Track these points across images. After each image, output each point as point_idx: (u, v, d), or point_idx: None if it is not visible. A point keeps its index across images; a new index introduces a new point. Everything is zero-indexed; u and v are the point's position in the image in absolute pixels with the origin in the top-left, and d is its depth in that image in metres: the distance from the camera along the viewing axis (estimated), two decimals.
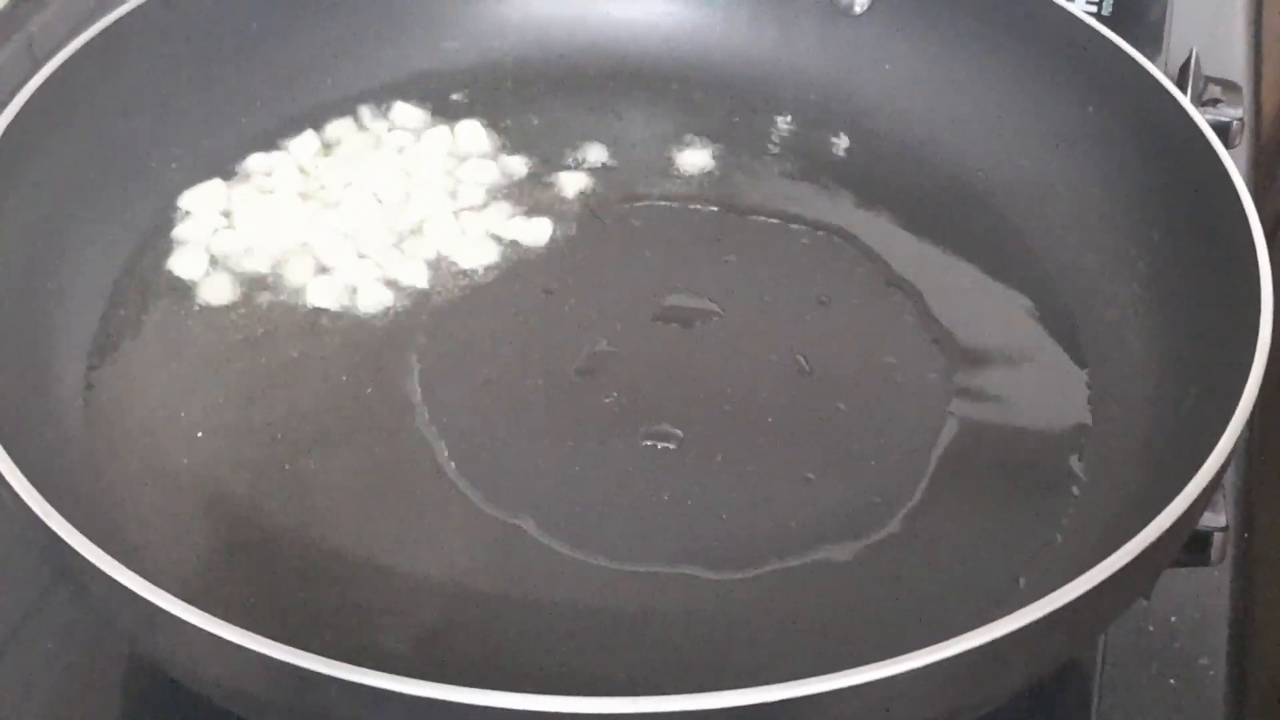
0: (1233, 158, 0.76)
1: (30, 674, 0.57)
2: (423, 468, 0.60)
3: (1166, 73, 0.81)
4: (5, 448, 0.49)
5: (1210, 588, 0.61)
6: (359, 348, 0.65)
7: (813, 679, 0.42)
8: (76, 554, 0.46)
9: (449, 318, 0.66)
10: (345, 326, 0.65)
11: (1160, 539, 0.47)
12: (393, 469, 0.60)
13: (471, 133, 0.75)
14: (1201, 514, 0.52)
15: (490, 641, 0.54)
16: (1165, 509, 0.47)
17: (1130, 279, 0.65)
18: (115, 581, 0.45)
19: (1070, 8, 0.71)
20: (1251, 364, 0.52)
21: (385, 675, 0.42)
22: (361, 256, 0.68)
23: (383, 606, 0.55)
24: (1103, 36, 0.68)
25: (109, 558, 0.46)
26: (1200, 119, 0.63)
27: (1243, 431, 0.65)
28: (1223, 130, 0.78)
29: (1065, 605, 0.45)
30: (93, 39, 0.66)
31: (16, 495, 0.48)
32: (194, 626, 0.44)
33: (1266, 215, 1.06)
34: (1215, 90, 0.80)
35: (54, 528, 0.47)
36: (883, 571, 0.57)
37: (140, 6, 0.68)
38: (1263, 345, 0.53)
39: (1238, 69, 0.88)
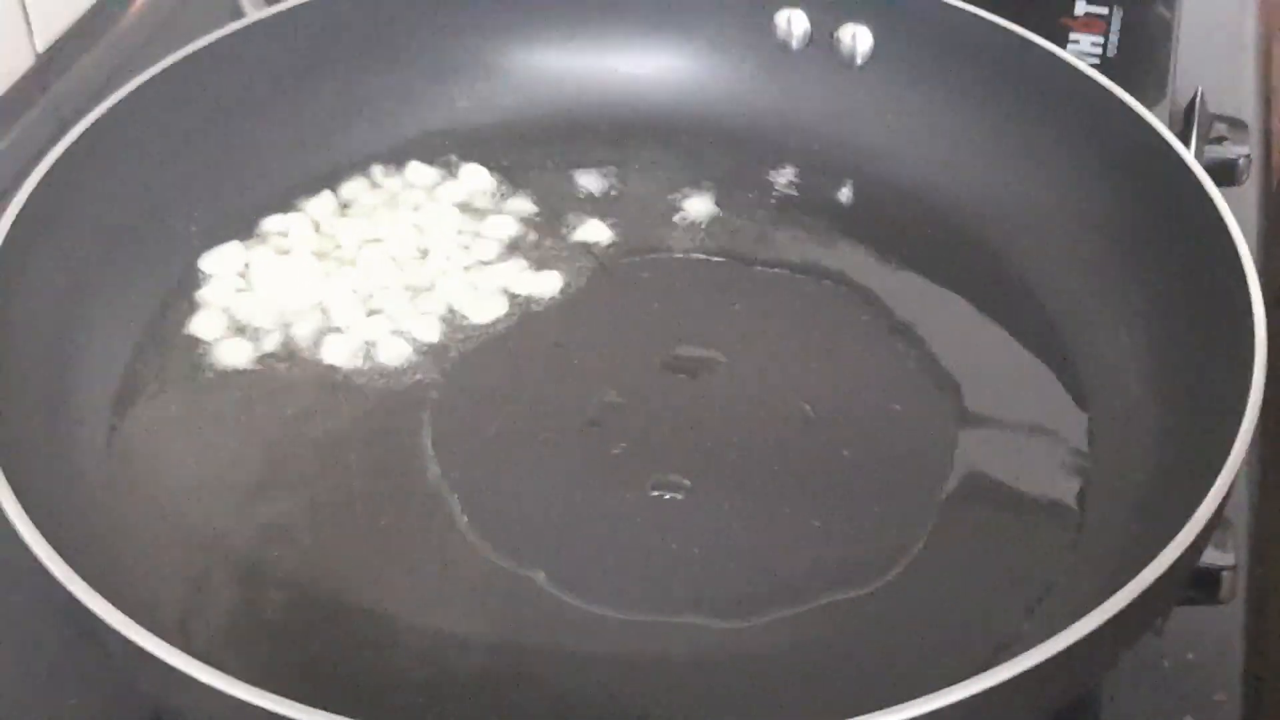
0: (1240, 195, 0.77)
1: None
2: (436, 522, 0.61)
3: (1172, 111, 0.82)
4: (26, 509, 0.50)
5: (1225, 624, 0.61)
6: (372, 404, 0.66)
7: None
8: (96, 617, 0.47)
9: (461, 372, 0.67)
10: (359, 384, 0.67)
11: (1159, 580, 0.47)
12: (406, 524, 0.61)
13: (476, 176, 0.76)
14: (1200, 555, 0.52)
15: (501, 693, 0.55)
16: (1163, 551, 0.48)
17: (1129, 322, 0.66)
18: (133, 643, 0.46)
19: (1067, 55, 0.71)
20: (1245, 408, 0.53)
21: None
22: (374, 314, 0.70)
23: (397, 661, 0.56)
24: (1098, 84, 0.69)
25: (127, 619, 0.47)
26: (1195, 164, 0.64)
27: (1250, 469, 0.66)
28: (1229, 167, 0.78)
29: (1068, 648, 0.45)
30: (117, 104, 0.68)
31: (37, 557, 0.49)
32: (212, 688, 0.45)
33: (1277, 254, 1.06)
34: (1221, 128, 0.80)
35: (74, 591, 0.48)
36: (888, 617, 0.57)
37: (162, 72, 0.70)
38: (1256, 389, 0.54)
39: (1247, 106, 0.88)
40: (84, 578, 0.48)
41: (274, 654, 0.56)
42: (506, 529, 0.60)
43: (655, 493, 0.62)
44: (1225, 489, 0.51)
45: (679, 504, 0.61)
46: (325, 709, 0.44)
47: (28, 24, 0.85)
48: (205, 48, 0.72)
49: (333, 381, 0.67)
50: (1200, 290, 0.62)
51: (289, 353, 0.68)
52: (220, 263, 0.72)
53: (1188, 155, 0.65)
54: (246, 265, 0.72)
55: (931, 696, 0.44)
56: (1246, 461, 0.64)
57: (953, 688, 0.44)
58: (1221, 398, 0.55)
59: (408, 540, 0.60)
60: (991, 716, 0.46)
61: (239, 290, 0.71)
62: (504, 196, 0.76)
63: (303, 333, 0.69)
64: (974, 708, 0.44)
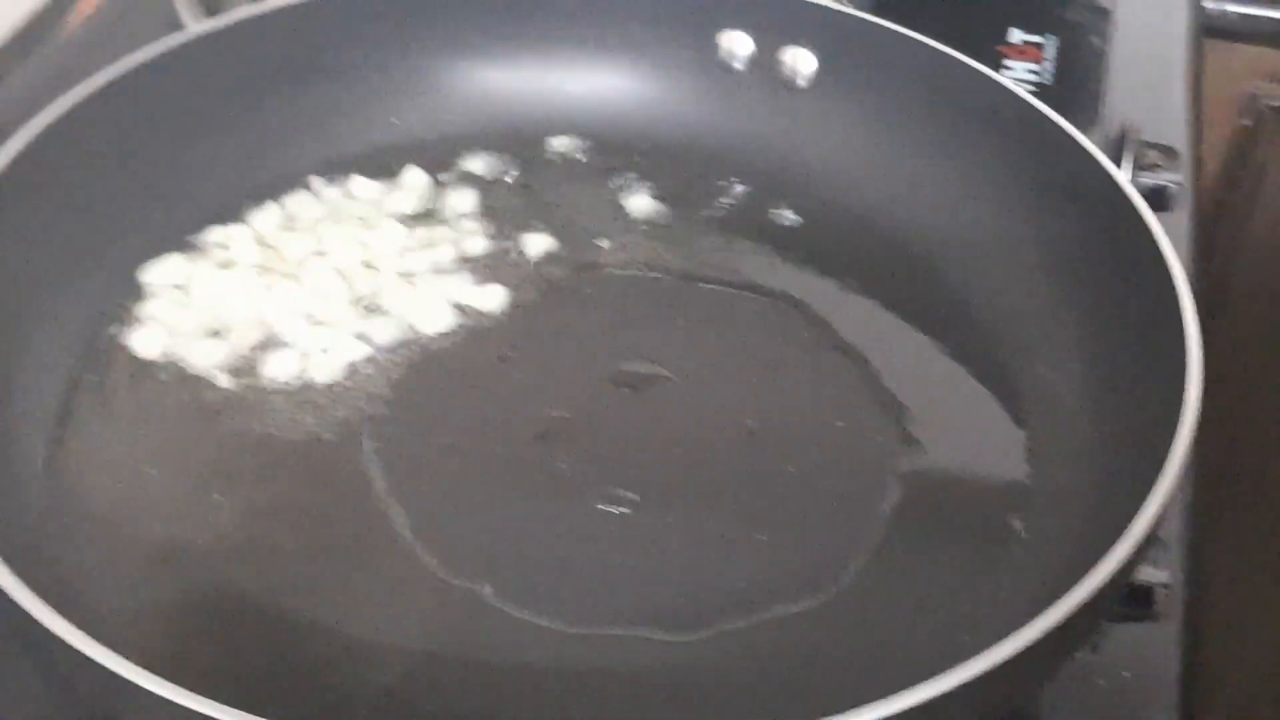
0: (1172, 221, 0.79)
1: None
2: (381, 535, 0.61)
3: (1106, 138, 0.84)
4: None
5: (1161, 642, 0.62)
6: (316, 418, 0.66)
7: None
8: (38, 623, 0.47)
9: (406, 386, 0.67)
10: (302, 398, 0.67)
11: (1093, 596, 0.48)
12: (352, 538, 0.61)
13: (417, 181, 0.77)
14: (1133, 571, 0.53)
15: (447, 705, 0.55)
16: (1096, 566, 0.49)
17: (1067, 342, 0.67)
18: (77, 651, 0.46)
19: (1004, 80, 0.73)
20: (1179, 427, 0.54)
21: None
22: (318, 326, 0.70)
23: (343, 673, 0.56)
24: (1034, 109, 0.71)
25: (71, 626, 0.46)
26: (1130, 187, 0.66)
27: (1186, 489, 0.67)
28: (1160, 194, 0.80)
29: (1004, 661, 0.46)
30: (54, 120, 0.67)
31: None
32: (155, 695, 0.45)
33: (1210, 274, 1.08)
34: (1153, 155, 0.82)
35: (18, 599, 0.48)
36: (831, 630, 0.58)
37: (101, 86, 0.69)
38: (1190, 407, 0.55)
39: (1178, 134, 0.90)
40: (30, 588, 0.48)
41: (216, 662, 0.56)
42: (453, 543, 0.60)
43: (601, 506, 0.62)
44: (1160, 506, 0.52)
45: (625, 518, 0.62)
46: (266, 717, 0.44)
47: None
48: (145, 62, 0.72)
49: (275, 395, 0.67)
50: (1136, 312, 0.64)
51: (230, 366, 0.68)
52: (159, 275, 0.71)
53: (1123, 179, 0.66)
54: (187, 278, 0.71)
55: (869, 706, 0.45)
56: (1182, 481, 0.66)
57: (891, 698, 0.45)
58: (1157, 417, 0.56)
59: (353, 554, 0.60)
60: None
61: (179, 304, 0.70)
62: (448, 211, 0.76)
63: (244, 346, 0.69)
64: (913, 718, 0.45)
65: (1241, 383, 1.02)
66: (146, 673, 0.45)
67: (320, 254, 0.73)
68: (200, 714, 0.44)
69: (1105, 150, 0.69)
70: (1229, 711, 0.65)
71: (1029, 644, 0.47)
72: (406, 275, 0.73)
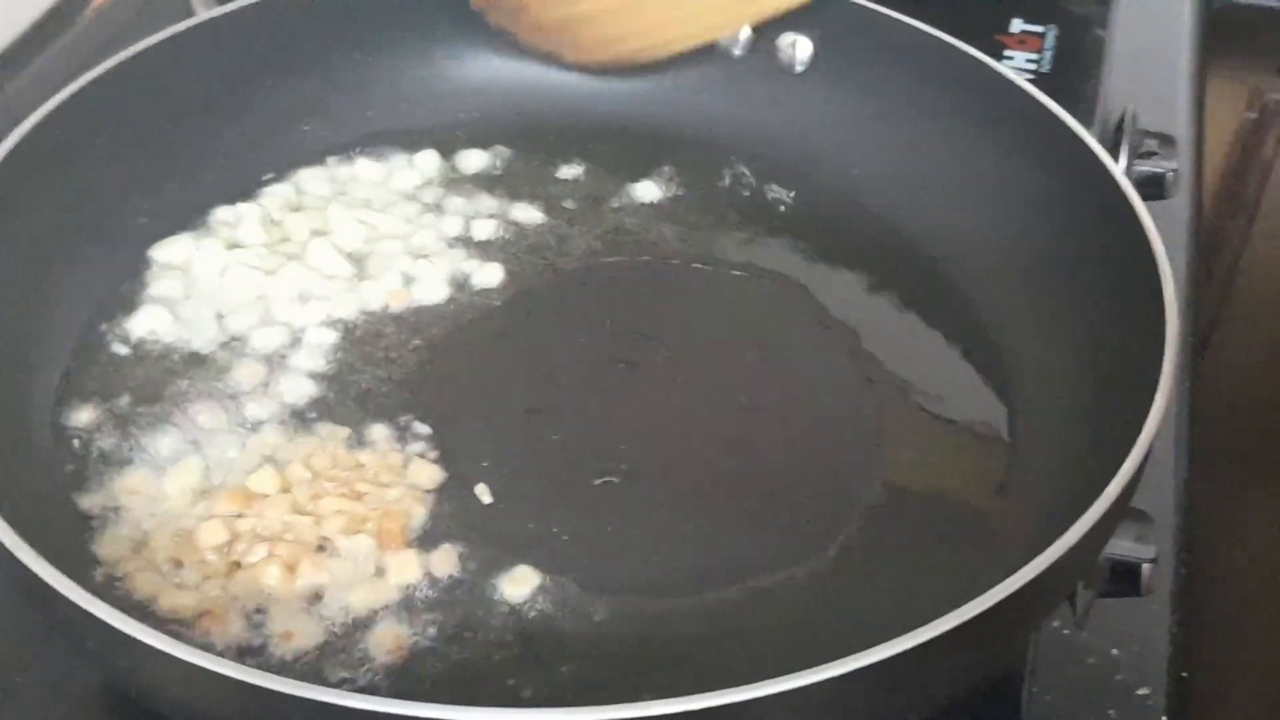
0: (1170, 207, 0.79)
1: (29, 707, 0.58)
2: None
3: (1104, 126, 0.84)
4: None
5: (1150, 620, 0.63)
6: (314, 392, 0.67)
7: (736, 689, 0.45)
8: (54, 590, 0.48)
9: (403, 362, 0.68)
10: (303, 371, 0.68)
11: (1061, 559, 0.49)
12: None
13: (428, 162, 0.78)
14: (1106, 539, 0.54)
15: (447, 667, 0.56)
16: (1067, 531, 0.50)
17: (1053, 322, 0.68)
18: (81, 608, 0.48)
19: (1001, 67, 0.74)
20: (1150, 407, 0.55)
21: (349, 694, 0.45)
22: (320, 301, 0.71)
23: (355, 646, 0.57)
24: (1030, 96, 0.71)
25: (78, 587, 0.48)
26: (1120, 174, 0.66)
27: (1179, 469, 0.67)
28: (1157, 181, 0.81)
29: (977, 617, 0.47)
30: (66, 99, 0.69)
31: None
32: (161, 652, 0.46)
33: (1219, 260, 1.08)
34: (1151, 143, 0.83)
35: (24, 559, 0.49)
36: (815, 598, 0.59)
37: (113, 68, 0.71)
38: (1164, 390, 0.56)
39: (1180, 123, 0.91)
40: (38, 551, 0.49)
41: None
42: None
43: (595, 479, 0.63)
44: (1131, 474, 0.53)
45: (616, 489, 0.63)
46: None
47: None
48: (155, 45, 0.73)
49: (275, 369, 0.68)
50: (1120, 295, 0.64)
51: (231, 343, 0.69)
52: (167, 254, 0.73)
53: (1113, 165, 0.67)
54: (194, 256, 0.73)
55: (853, 658, 0.46)
56: (1176, 462, 0.67)
57: (870, 650, 0.46)
58: (1134, 399, 0.57)
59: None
60: (906, 681, 0.48)
61: (186, 281, 0.72)
62: (451, 190, 0.78)
63: (245, 324, 0.70)
64: (886, 672, 0.46)
65: (1248, 372, 1.02)
66: (149, 629, 0.47)
67: (323, 233, 0.75)
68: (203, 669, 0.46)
69: (1103, 138, 0.70)
70: (1216, 688, 0.66)
71: (1000, 601, 0.48)
72: (408, 254, 0.74)
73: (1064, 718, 0.59)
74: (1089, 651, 0.61)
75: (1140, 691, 0.60)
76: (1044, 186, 0.72)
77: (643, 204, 0.78)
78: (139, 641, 0.47)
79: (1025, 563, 0.50)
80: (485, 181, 0.79)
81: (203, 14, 0.76)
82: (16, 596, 0.53)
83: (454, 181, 0.79)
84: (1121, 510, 0.53)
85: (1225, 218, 1.24)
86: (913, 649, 0.46)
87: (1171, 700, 0.60)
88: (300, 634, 0.56)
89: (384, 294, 0.72)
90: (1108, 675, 0.61)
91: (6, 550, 0.50)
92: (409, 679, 0.55)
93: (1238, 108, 1.22)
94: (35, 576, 0.49)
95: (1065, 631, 0.61)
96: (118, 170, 0.72)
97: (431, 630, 0.57)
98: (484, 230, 0.76)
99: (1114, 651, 0.61)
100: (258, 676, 0.45)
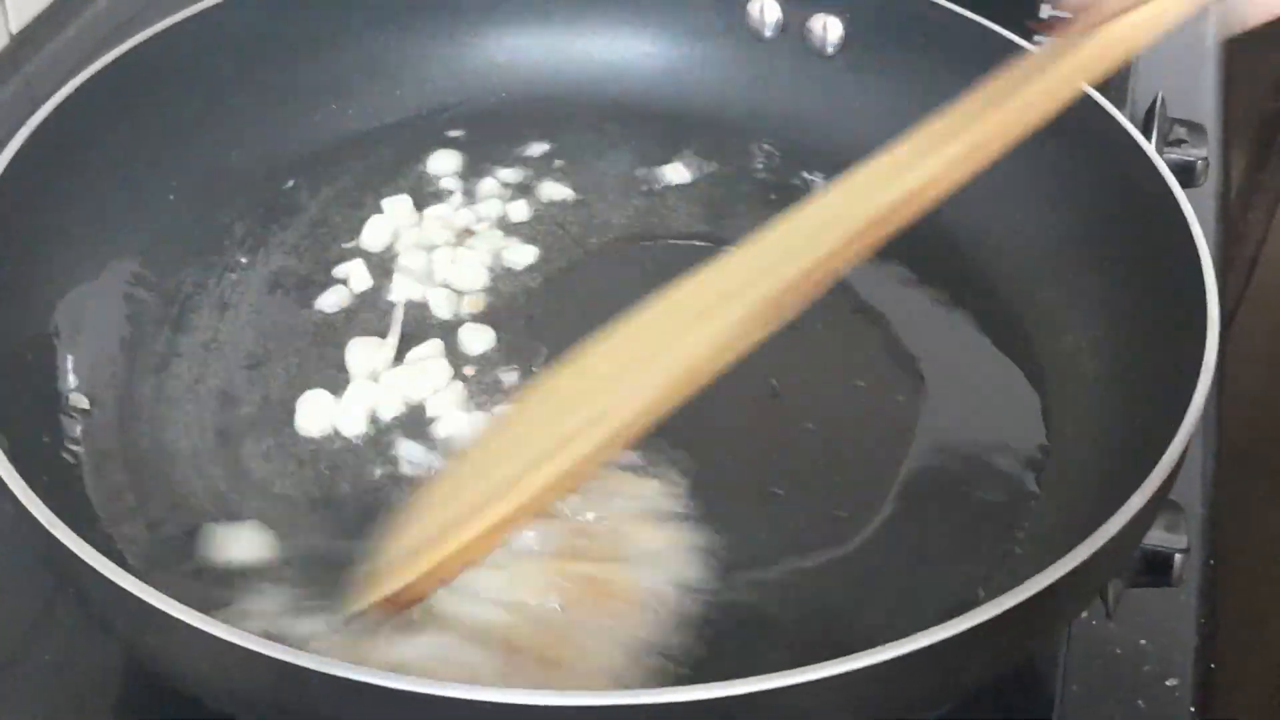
0: (1198, 196, 0.79)
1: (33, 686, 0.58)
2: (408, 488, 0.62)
3: (1133, 114, 0.84)
4: (11, 462, 0.51)
5: (1178, 611, 0.63)
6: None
7: (774, 675, 0.44)
8: (78, 559, 0.48)
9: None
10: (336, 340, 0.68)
11: (1101, 551, 0.49)
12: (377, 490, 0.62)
13: (446, 161, 0.78)
14: (1144, 531, 0.54)
15: None
16: (1108, 521, 0.49)
17: (1087, 309, 0.68)
18: (107, 579, 0.47)
19: (1034, 48, 0.73)
20: (1194, 394, 0.54)
21: (369, 670, 0.44)
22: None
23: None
24: None
25: (104, 558, 0.48)
26: (1159, 160, 0.66)
27: (1207, 461, 0.67)
28: (1188, 169, 0.80)
29: (1013, 608, 0.47)
30: (89, 78, 0.69)
31: (21, 505, 0.50)
32: (189, 625, 0.46)
33: (1240, 250, 1.08)
34: (1180, 131, 0.83)
35: (54, 532, 0.49)
36: (848, 583, 0.59)
37: (138, 46, 0.71)
38: (1206, 371, 0.55)
39: (1208, 111, 0.90)
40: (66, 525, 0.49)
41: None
42: None
43: (623, 464, 0.63)
44: (1169, 469, 0.52)
45: (647, 474, 0.62)
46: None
47: (3, 6, 0.86)
48: (172, 26, 0.73)
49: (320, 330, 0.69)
50: (1158, 282, 0.64)
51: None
52: None
53: (1152, 151, 0.67)
54: None
55: (894, 644, 0.45)
56: (1203, 453, 0.67)
57: (903, 640, 0.46)
58: (1173, 385, 0.57)
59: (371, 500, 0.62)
60: (941, 669, 0.48)
61: None
62: (482, 174, 0.78)
63: None
64: (921, 662, 0.46)
65: (1271, 363, 1.02)
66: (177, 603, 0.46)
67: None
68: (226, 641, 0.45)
69: (1134, 125, 0.69)
70: (1244, 678, 0.65)
71: (1037, 593, 0.47)
72: (442, 235, 0.74)
73: (1093, 708, 0.59)
74: (1118, 642, 0.61)
75: (1169, 683, 0.60)
76: (1080, 172, 0.71)
77: (671, 186, 0.77)
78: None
79: (1060, 551, 0.49)
80: (516, 163, 0.79)
81: None
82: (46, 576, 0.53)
83: (483, 163, 0.78)
84: (1162, 500, 0.52)
85: (1246, 209, 1.23)
86: (958, 634, 0.46)
87: (1199, 691, 0.60)
88: None
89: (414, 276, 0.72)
90: (1136, 666, 0.60)
91: (40, 526, 0.50)
92: None
93: (1259, 98, 1.21)
94: (71, 554, 0.49)
95: (1094, 623, 0.61)
96: (149, 148, 0.72)
97: None
98: (513, 215, 0.75)
99: (1142, 642, 0.61)
100: (289, 654, 0.45)
